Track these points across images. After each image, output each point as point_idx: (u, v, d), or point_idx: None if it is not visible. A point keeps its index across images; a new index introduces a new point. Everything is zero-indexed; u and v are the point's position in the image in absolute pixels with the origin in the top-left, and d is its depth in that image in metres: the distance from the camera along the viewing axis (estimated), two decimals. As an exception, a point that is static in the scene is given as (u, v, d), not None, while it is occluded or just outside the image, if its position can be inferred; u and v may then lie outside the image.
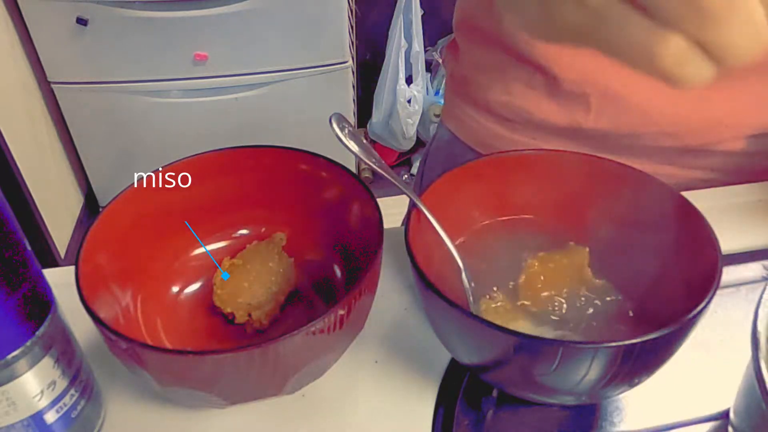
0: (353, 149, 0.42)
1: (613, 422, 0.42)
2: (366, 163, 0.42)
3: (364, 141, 0.43)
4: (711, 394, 0.42)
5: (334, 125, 0.41)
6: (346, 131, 0.41)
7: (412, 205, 0.42)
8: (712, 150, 0.52)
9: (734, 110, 0.49)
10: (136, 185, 0.44)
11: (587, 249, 0.44)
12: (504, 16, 0.49)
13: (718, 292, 0.36)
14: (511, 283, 0.43)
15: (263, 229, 0.48)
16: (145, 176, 0.44)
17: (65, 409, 0.35)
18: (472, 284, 0.42)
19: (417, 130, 2.11)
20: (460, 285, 0.42)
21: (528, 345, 0.34)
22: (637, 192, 0.45)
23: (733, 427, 0.38)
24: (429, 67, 2.15)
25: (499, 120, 0.58)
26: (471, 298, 0.42)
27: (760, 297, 0.33)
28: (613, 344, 0.33)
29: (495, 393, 0.43)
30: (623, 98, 0.51)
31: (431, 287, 0.36)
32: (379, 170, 0.42)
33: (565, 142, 0.54)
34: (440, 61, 2.11)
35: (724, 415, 0.40)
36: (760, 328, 0.32)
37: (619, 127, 0.52)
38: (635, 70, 0.28)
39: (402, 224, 0.42)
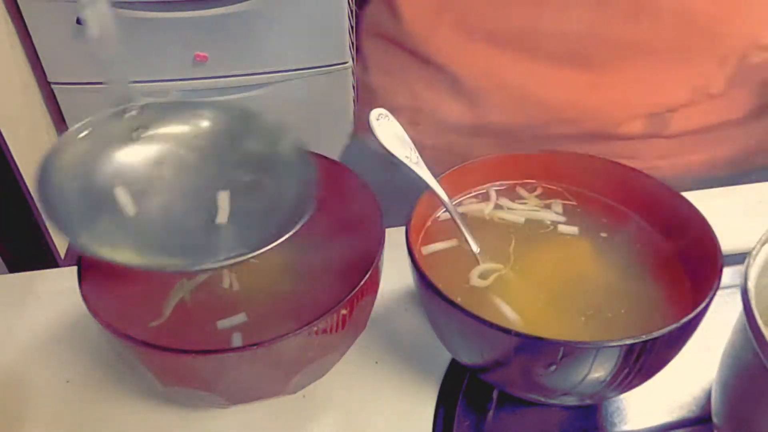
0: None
1: (613, 422, 0.42)
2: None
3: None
4: (709, 394, 0.42)
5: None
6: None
7: (413, 204, 0.42)
8: (612, 133, 0.52)
9: (624, 91, 0.50)
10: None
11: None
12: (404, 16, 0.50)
13: (718, 292, 0.36)
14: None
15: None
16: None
17: None
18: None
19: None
20: (461, 285, 0.42)
21: (529, 345, 0.34)
22: (638, 192, 0.45)
23: (716, 427, 0.38)
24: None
25: (409, 124, 0.60)
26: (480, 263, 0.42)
27: (749, 255, 0.34)
28: (615, 344, 0.33)
29: (495, 393, 0.43)
30: (519, 89, 0.51)
31: (431, 287, 0.36)
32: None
33: (472, 139, 0.55)
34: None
35: (725, 415, 0.40)
36: (750, 285, 0.32)
37: (520, 119, 0.52)
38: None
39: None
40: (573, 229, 0.45)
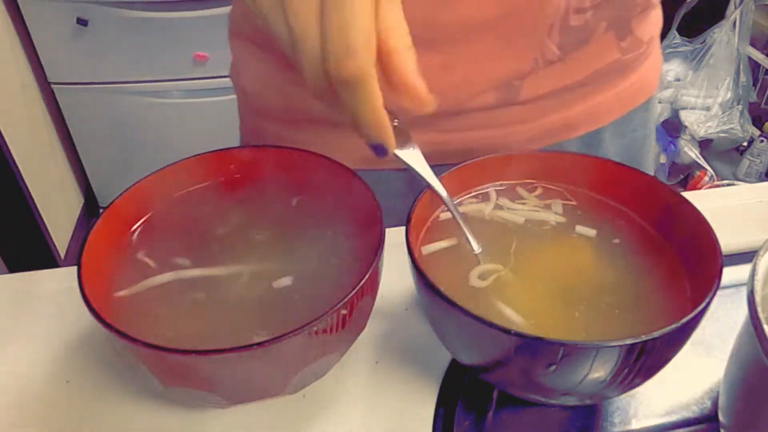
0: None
1: (613, 422, 0.42)
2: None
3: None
4: (712, 394, 0.42)
5: None
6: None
7: (414, 203, 0.42)
8: (466, 107, 0.56)
9: (471, 69, 0.53)
10: (137, 185, 0.44)
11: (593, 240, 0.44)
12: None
13: (718, 292, 0.36)
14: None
15: (262, 229, 0.48)
16: (146, 176, 0.44)
17: None
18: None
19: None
20: (460, 285, 0.42)
21: (529, 345, 0.34)
22: (637, 192, 0.45)
23: (723, 426, 0.38)
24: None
25: (286, 124, 0.61)
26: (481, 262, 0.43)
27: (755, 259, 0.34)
28: (615, 344, 0.33)
29: (495, 394, 0.43)
30: None
31: (431, 287, 0.36)
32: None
33: (345, 131, 0.57)
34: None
35: (725, 415, 0.40)
36: (757, 287, 0.33)
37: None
38: None
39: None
40: (588, 231, 0.45)
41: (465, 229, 0.43)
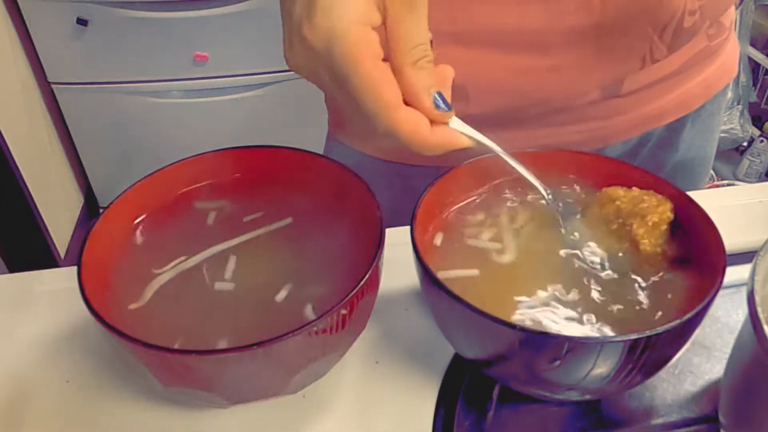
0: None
1: (613, 422, 0.42)
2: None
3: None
4: (712, 393, 0.42)
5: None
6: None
7: (419, 198, 0.42)
8: (575, 105, 0.58)
9: (581, 70, 0.55)
10: (137, 185, 0.44)
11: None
12: None
13: (721, 291, 0.36)
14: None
15: (263, 229, 0.48)
16: (146, 176, 0.44)
17: None
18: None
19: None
20: (463, 283, 0.41)
21: (533, 339, 0.34)
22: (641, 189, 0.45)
23: (723, 426, 0.38)
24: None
25: None
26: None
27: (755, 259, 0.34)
28: (618, 339, 0.33)
29: (496, 393, 0.43)
30: (489, 81, 0.55)
31: (437, 282, 0.36)
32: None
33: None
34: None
35: (725, 415, 0.40)
36: (757, 287, 0.33)
37: (494, 107, 0.57)
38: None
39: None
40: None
41: (528, 176, 0.42)
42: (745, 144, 2.15)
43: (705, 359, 0.44)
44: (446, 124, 0.35)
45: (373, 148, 0.65)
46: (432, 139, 0.34)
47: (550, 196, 0.44)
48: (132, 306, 0.40)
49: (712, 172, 2.10)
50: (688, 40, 0.57)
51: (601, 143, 0.61)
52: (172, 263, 0.43)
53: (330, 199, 0.47)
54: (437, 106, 0.34)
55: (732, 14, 0.63)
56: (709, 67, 0.62)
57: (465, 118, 0.37)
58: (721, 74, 0.64)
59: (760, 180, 2.08)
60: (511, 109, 0.58)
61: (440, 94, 0.34)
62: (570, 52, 0.54)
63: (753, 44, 2.09)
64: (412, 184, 0.51)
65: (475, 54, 0.54)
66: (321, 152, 0.45)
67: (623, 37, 0.53)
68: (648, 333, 0.33)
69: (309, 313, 0.43)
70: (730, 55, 0.65)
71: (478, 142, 0.38)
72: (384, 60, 0.33)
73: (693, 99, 0.63)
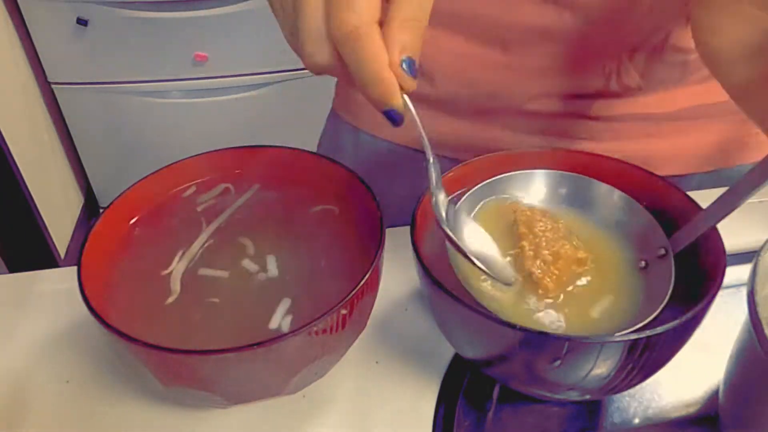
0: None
1: (613, 422, 0.42)
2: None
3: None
4: (712, 393, 0.42)
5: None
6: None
7: (419, 199, 0.42)
8: (524, 109, 0.56)
9: (536, 73, 0.54)
10: (137, 185, 0.44)
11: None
12: None
13: (720, 291, 0.36)
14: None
15: (262, 229, 0.48)
16: (145, 176, 0.44)
17: None
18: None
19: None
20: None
21: (534, 340, 0.34)
22: (641, 190, 0.45)
23: (723, 426, 0.38)
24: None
25: None
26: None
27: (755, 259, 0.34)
28: (618, 339, 0.33)
29: (496, 393, 0.43)
30: (453, 66, 0.55)
31: (436, 283, 0.36)
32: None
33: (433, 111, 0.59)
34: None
35: (725, 415, 0.40)
36: (757, 287, 0.33)
37: (459, 93, 0.57)
38: None
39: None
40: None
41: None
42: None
43: (705, 359, 0.43)
44: (402, 90, 0.34)
45: (377, 125, 0.64)
46: (384, 74, 0.32)
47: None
48: (132, 306, 0.40)
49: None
50: (674, 80, 0.53)
51: None
52: (172, 263, 0.43)
53: (330, 200, 0.47)
54: (404, 69, 0.33)
55: None
56: (714, 126, 0.55)
57: (426, 98, 0.38)
58: (725, 146, 0.58)
59: (760, 180, 2.08)
60: (466, 98, 0.57)
61: (412, 60, 0.33)
62: (525, 50, 0.53)
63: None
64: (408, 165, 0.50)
65: (437, 35, 0.53)
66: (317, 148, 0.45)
67: (585, 48, 0.51)
68: (648, 333, 0.33)
69: (308, 313, 0.43)
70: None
71: (411, 120, 0.36)
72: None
73: (700, 160, 0.57)
